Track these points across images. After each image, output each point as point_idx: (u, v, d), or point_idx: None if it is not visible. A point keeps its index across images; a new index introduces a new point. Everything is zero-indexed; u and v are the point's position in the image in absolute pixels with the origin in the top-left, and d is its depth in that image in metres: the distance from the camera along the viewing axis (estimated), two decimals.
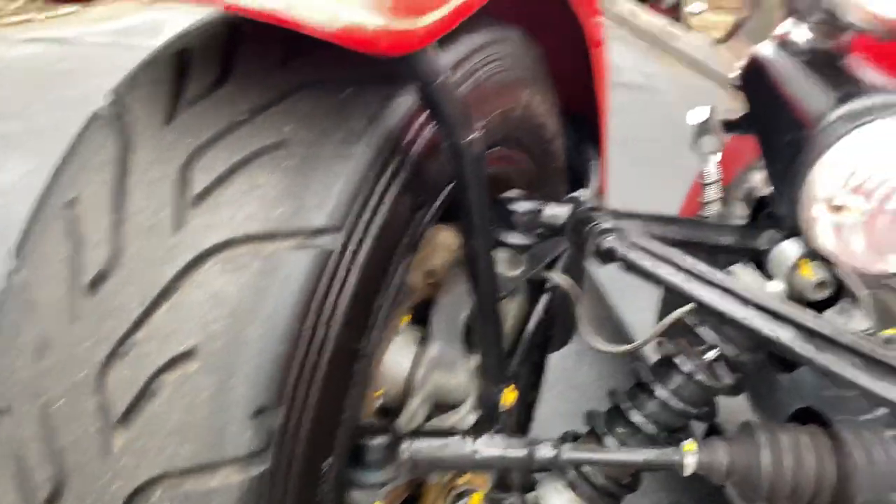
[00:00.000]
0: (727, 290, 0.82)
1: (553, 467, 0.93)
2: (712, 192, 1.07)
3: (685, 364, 0.96)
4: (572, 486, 1.00)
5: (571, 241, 0.92)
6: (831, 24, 0.65)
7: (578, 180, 1.26)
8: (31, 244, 0.69)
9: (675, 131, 1.16)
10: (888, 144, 0.58)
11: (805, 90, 0.64)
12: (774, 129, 0.67)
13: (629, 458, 0.89)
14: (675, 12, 1.39)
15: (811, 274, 0.89)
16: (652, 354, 1.05)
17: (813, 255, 0.91)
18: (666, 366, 0.99)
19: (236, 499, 0.60)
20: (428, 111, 0.69)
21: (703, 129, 1.02)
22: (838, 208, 0.59)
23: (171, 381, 0.61)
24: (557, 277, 1.06)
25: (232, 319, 0.61)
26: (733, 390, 0.96)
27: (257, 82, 0.70)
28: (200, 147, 0.67)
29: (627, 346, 1.21)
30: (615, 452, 0.90)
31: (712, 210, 1.07)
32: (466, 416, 0.98)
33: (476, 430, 0.91)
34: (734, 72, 1.08)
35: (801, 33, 0.69)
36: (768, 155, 0.69)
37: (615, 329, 1.51)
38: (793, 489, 0.87)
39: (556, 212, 0.92)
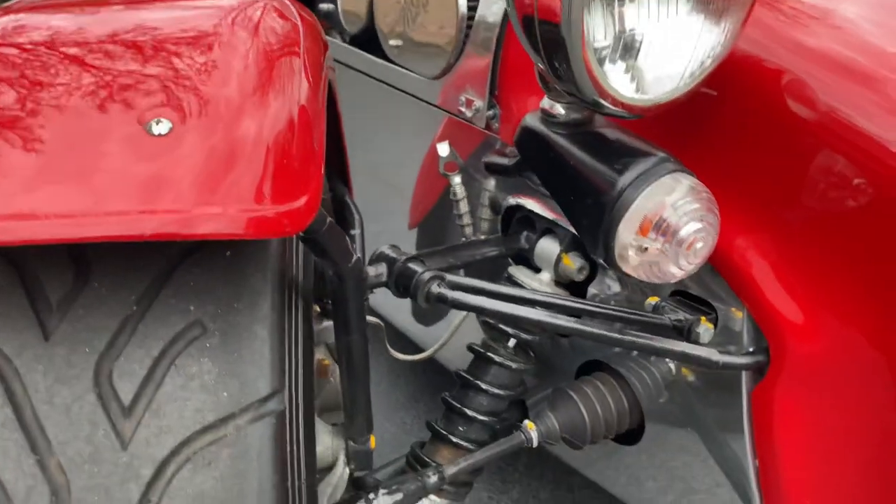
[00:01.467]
0: (519, 300, 1.03)
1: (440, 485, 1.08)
2: (463, 207, 1.26)
3: (496, 356, 1.16)
4: (437, 491, 1.16)
5: (397, 293, 1.04)
6: (581, 104, 0.86)
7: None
8: None
9: None
10: (665, 197, 0.81)
11: (588, 164, 0.85)
12: (571, 191, 0.87)
13: (492, 452, 1.07)
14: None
15: (572, 263, 1.14)
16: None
17: (569, 248, 1.16)
18: (481, 361, 1.18)
19: None
20: (315, 253, 0.75)
21: (447, 158, 1.20)
22: (644, 249, 0.81)
23: None
24: (370, 318, 1.18)
25: None
26: (534, 366, 1.19)
27: (126, 268, 0.69)
28: (105, 353, 0.65)
29: (427, 353, 1.39)
30: (480, 452, 1.08)
31: (466, 221, 1.26)
32: (343, 472, 1.06)
33: (361, 485, 1.02)
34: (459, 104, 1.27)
35: (558, 108, 0.89)
36: (570, 211, 0.89)
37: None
38: (605, 426, 1.14)
39: (379, 271, 1.03)
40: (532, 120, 0.92)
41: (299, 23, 0.87)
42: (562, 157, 0.87)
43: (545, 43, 0.75)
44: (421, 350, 1.48)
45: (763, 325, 0.93)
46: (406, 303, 1.66)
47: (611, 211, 0.81)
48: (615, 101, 0.81)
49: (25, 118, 0.62)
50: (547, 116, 0.90)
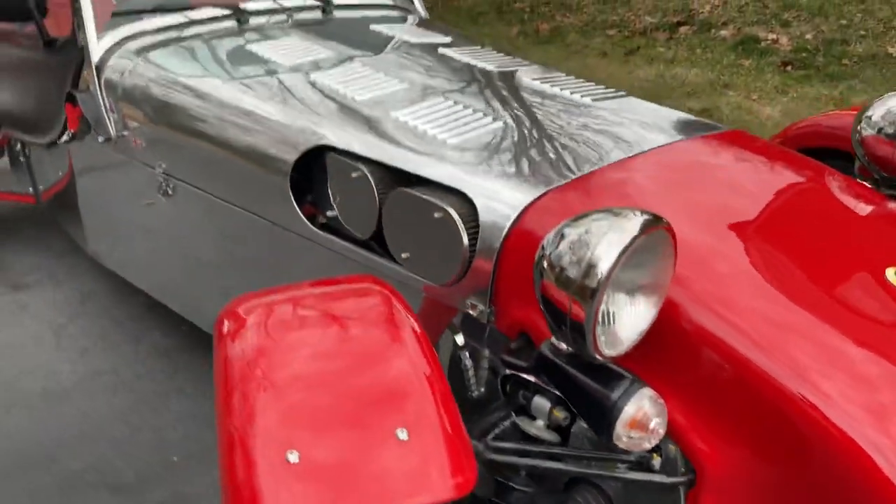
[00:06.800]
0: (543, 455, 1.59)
1: None
2: (470, 374, 1.79)
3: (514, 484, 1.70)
4: None
5: None
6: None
7: None
8: None
9: None
10: (641, 405, 1.39)
11: (590, 384, 1.42)
12: (580, 397, 1.43)
13: None
14: None
15: (560, 414, 1.71)
16: None
17: (556, 403, 1.73)
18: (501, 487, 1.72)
19: None
20: None
21: (463, 347, 1.74)
22: (631, 436, 1.39)
23: None
24: None
25: None
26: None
27: None
28: None
29: None
30: None
31: (473, 383, 1.80)
32: None
33: None
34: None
35: (563, 346, 1.47)
36: (580, 409, 1.46)
37: None
38: None
39: None
40: (545, 348, 1.49)
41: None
42: (571, 375, 1.45)
43: (571, 329, 1.33)
44: None
45: (690, 458, 1.54)
46: None
47: (611, 414, 1.39)
48: (600, 354, 1.40)
49: None
50: (556, 348, 1.48)
